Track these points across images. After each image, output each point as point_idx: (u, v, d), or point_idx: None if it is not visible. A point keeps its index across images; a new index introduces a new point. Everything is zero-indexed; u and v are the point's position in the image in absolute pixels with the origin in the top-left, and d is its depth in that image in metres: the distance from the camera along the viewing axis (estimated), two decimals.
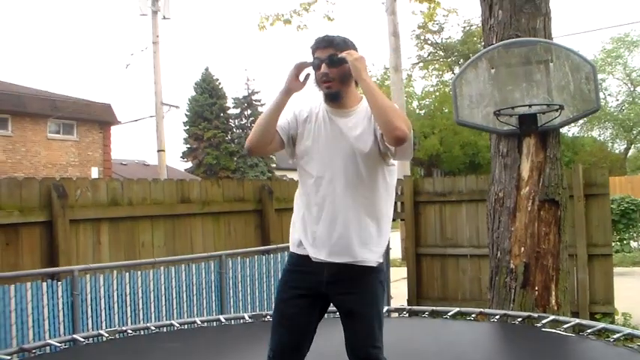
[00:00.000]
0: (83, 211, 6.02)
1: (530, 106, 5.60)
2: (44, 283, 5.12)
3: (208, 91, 39.83)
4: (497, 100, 5.73)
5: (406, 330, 5.07)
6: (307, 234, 2.91)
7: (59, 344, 4.67)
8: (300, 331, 2.90)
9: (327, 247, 2.84)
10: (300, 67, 2.86)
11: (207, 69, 40.75)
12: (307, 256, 2.89)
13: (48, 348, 4.68)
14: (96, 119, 25.78)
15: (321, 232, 2.86)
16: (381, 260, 2.93)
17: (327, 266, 2.84)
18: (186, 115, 39.75)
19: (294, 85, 2.87)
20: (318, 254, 2.85)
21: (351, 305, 2.84)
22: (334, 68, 2.82)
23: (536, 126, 5.64)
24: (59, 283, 5.21)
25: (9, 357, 4.43)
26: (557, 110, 5.54)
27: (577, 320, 4.79)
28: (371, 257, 2.85)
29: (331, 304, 2.95)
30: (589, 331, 4.45)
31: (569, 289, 6.21)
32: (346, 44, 2.88)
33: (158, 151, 19.68)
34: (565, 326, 4.64)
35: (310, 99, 3.02)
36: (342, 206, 2.84)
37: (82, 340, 4.78)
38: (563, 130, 6.25)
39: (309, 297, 2.89)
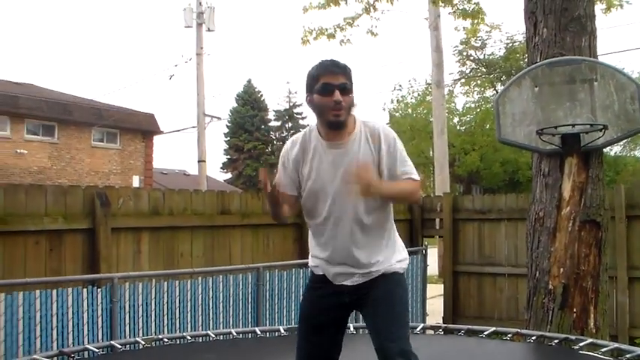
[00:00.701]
0: (125, 219, 6.11)
1: (573, 125, 5.55)
2: (85, 289, 5.21)
3: (250, 103, 40.20)
4: (539, 119, 5.68)
5: (441, 348, 5.03)
6: (323, 266, 2.96)
7: (97, 350, 4.75)
8: (328, 343, 2.94)
9: (343, 277, 2.90)
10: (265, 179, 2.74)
11: (249, 81, 41.21)
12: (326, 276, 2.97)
13: (86, 353, 4.77)
14: (139, 128, 26.17)
15: (336, 269, 2.91)
16: (398, 267, 2.97)
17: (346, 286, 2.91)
18: (227, 126, 40.14)
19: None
20: (336, 281, 2.92)
21: (373, 298, 2.88)
22: (346, 97, 2.77)
23: (579, 146, 5.58)
24: (99, 289, 5.30)
25: (49, 359, 4.52)
26: (600, 130, 5.47)
27: (616, 344, 4.71)
28: (384, 265, 2.90)
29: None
30: (628, 356, 4.37)
31: (609, 312, 6.11)
32: (351, 73, 2.85)
33: (199, 161, 19.88)
34: (603, 350, 4.56)
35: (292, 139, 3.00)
36: (353, 242, 2.87)
37: (119, 346, 4.85)
38: (605, 149, 6.17)
39: (332, 310, 2.93)
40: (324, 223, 2.87)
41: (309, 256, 3.05)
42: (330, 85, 2.75)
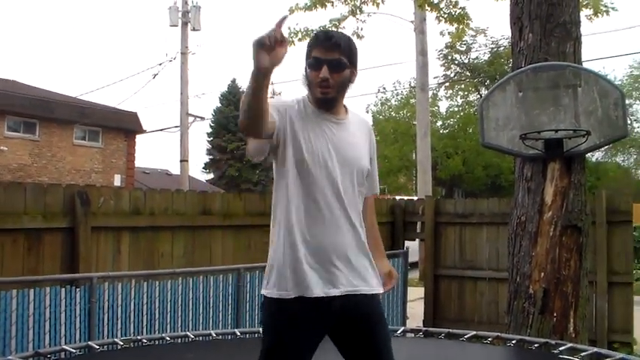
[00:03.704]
0: (105, 219, 6.06)
1: (556, 130, 5.56)
2: (63, 289, 5.15)
3: (234, 103, 39.99)
4: (523, 124, 5.70)
5: (421, 351, 5.03)
6: (299, 269, 2.51)
7: (74, 350, 4.68)
8: None
9: (341, 277, 2.56)
10: (280, 27, 2.25)
11: (234, 80, 40.99)
12: (308, 300, 2.51)
13: (63, 353, 4.70)
14: (121, 127, 26.03)
15: (327, 261, 2.54)
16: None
17: (338, 299, 2.55)
18: (210, 126, 39.96)
19: (273, 57, 2.23)
20: (328, 287, 2.54)
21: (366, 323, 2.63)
22: (336, 74, 2.55)
23: (562, 151, 5.60)
24: (78, 289, 5.24)
25: None
26: (583, 136, 5.50)
27: (595, 349, 4.72)
28: (377, 282, 2.70)
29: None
30: None
31: (588, 317, 6.14)
32: (352, 48, 2.62)
33: (181, 161, 19.83)
34: (582, 354, 4.57)
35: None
36: (343, 232, 2.59)
37: (97, 347, 4.79)
38: (587, 155, 6.20)
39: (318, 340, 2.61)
40: (322, 199, 2.56)
41: (272, 275, 2.66)
42: (319, 59, 2.54)
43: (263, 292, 2.60)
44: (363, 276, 2.62)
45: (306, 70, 2.61)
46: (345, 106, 2.72)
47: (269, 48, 2.19)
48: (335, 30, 2.75)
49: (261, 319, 2.69)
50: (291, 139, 2.55)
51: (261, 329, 2.71)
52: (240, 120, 2.38)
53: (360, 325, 2.62)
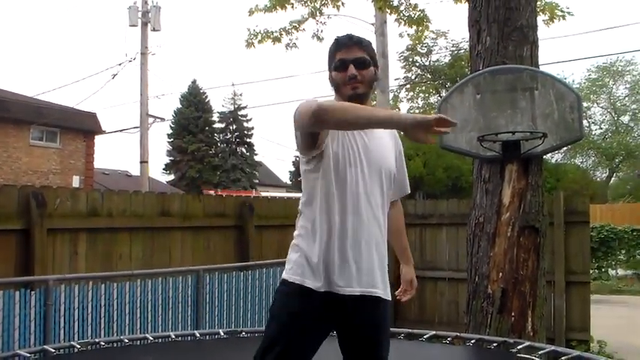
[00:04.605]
0: (61, 220, 5.97)
1: (513, 132, 5.62)
2: (17, 292, 5.05)
3: (194, 104, 39.79)
4: (481, 126, 5.75)
5: None
6: (329, 262, 2.55)
7: (29, 355, 4.58)
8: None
9: (355, 278, 2.57)
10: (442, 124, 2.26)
11: (194, 82, 40.72)
12: (321, 293, 2.55)
13: (17, 358, 4.61)
14: (80, 128, 25.60)
15: (353, 258, 2.57)
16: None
17: (349, 300, 2.57)
18: (171, 127, 39.65)
19: (420, 132, 2.30)
20: (345, 285, 2.56)
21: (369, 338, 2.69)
22: (363, 70, 2.67)
23: (519, 153, 5.66)
24: (33, 292, 5.15)
25: None
26: (540, 138, 5.56)
27: (552, 347, 4.77)
28: (387, 289, 2.72)
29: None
30: (564, 358, 4.44)
31: (546, 316, 6.22)
32: (372, 47, 2.77)
33: (141, 162, 19.60)
34: (540, 352, 4.63)
35: None
36: (372, 232, 2.63)
37: (53, 351, 4.70)
38: (547, 156, 6.29)
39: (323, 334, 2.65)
40: (350, 199, 2.58)
41: (295, 263, 2.71)
42: (344, 60, 2.66)
43: (284, 276, 2.64)
44: (383, 279, 2.68)
45: (331, 76, 2.72)
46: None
47: (428, 128, 2.27)
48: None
49: (273, 302, 2.73)
50: (329, 141, 2.58)
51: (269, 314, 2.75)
52: (325, 115, 2.37)
53: (367, 328, 2.67)
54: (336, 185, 2.57)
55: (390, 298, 2.72)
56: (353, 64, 2.65)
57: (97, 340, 5.16)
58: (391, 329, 5.98)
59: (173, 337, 5.29)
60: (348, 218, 2.57)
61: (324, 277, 2.55)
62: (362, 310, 2.60)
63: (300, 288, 2.57)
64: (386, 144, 2.75)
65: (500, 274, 5.64)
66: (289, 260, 2.66)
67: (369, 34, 15.57)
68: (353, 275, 2.56)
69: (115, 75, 21.07)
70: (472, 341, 5.06)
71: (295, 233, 2.70)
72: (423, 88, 37.11)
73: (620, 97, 40.30)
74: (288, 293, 2.63)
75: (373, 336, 2.68)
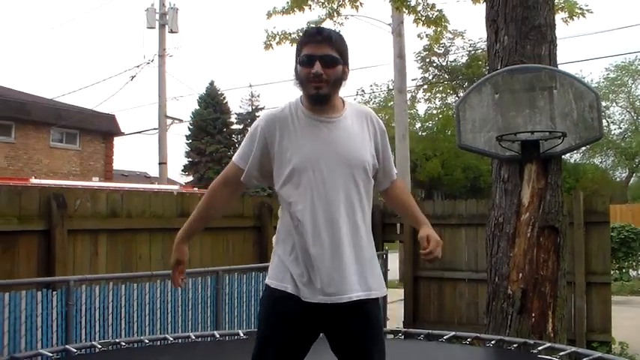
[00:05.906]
0: (82, 221, 6.01)
1: (532, 132, 5.60)
2: (39, 292, 5.10)
3: (212, 106, 39.88)
4: (499, 126, 5.72)
5: (401, 352, 5.02)
6: (306, 273, 2.52)
7: (51, 354, 4.63)
8: None
9: (333, 286, 2.50)
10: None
11: (212, 83, 40.78)
12: (299, 298, 2.52)
13: (40, 358, 4.65)
14: (99, 129, 25.81)
15: (326, 268, 2.49)
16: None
17: (324, 307, 2.51)
18: (189, 128, 39.76)
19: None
20: (318, 294, 2.50)
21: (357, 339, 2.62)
22: (329, 69, 2.50)
23: (538, 152, 5.63)
24: (54, 292, 5.19)
25: None
26: (559, 137, 5.53)
27: (573, 348, 4.75)
28: (380, 284, 2.65)
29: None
30: (585, 359, 4.42)
31: (567, 317, 6.18)
32: (344, 44, 2.58)
33: (160, 163, 19.73)
34: (561, 354, 4.59)
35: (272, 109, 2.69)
36: (346, 234, 2.53)
37: (75, 350, 4.74)
38: (565, 156, 6.25)
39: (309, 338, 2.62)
40: (311, 207, 2.51)
41: (276, 269, 2.72)
42: (311, 56, 2.49)
43: (267, 280, 2.66)
44: (362, 280, 2.57)
45: (297, 69, 2.56)
46: (342, 99, 2.66)
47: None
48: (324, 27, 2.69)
49: (259, 308, 2.75)
50: (277, 155, 2.55)
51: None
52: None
53: (353, 329, 2.60)
54: (300, 194, 2.52)
55: (377, 296, 2.63)
56: (319, 60, 2.49)
57: (117, 340, 5.19)
58: (411, 329, 5.99)
59: (193, 337, 5.31)
60: (318, 224, 2.50)
61: (299, 283, 2.52)
62: (339, 316, 2.54)
63: (281, 293, 2.56)
64: (357, 137, 2.60)
65: (520, 274, 5.61)
66: (270, 265, 2.67)
67: (386, 35, 15.55)
68: (323, 282, 2.49)
69: (133, 77, 21.24)
70: (492, 342, 5.04)
71: (273, 239, 2.70)
72: (441, 88, 37.00)
73: None
74: (268, 297, 2.63)
75: (359, 340, 2.61)
